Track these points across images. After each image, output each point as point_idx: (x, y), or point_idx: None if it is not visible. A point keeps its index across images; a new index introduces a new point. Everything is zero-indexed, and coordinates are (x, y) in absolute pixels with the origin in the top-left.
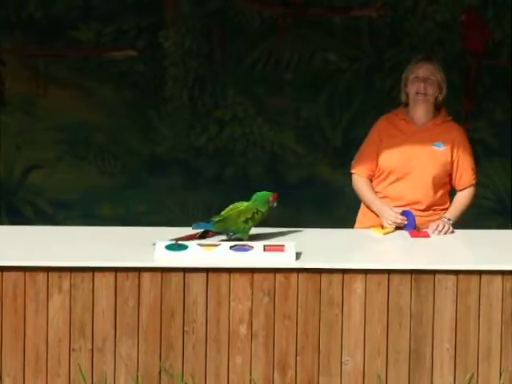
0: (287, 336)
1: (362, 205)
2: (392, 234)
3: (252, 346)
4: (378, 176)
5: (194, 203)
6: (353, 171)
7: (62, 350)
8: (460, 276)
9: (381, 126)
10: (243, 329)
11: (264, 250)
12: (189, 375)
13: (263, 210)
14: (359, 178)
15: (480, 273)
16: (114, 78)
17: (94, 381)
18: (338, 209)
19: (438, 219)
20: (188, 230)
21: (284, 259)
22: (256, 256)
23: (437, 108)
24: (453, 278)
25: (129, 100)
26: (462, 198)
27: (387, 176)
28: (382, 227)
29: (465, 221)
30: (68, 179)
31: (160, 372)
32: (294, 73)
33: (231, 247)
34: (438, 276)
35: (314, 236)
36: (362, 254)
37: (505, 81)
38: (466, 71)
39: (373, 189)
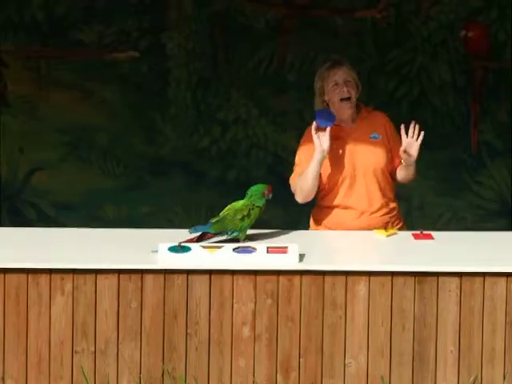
0: (290, 338)
1: (312, 222)
2: (395, 235)
3: (255, 348)
4: (328, 189)
5: (197, 205)
6: (291, 183)
7: (64, 352)
8: (464, 278)
9: (312, 137)
10: (246, 331)
11: (267, 252)
12: (192, 377)
13: (260, 205)
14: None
15: (484, 275)
16: (117, 80)
17: (97, 383)
18: None
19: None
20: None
21: (287, 261)
22: (259, 258)
23: (356, 104)
24: (456, 280)
25: (132, 102)
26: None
27: (341, 185)
28: (385, 229)
29: (469, 222)
30: (71, 181)
31: (163, 374)
32: (297, 74)
33: (234, 249)
34: (441, 278)
35: (317, 238)
36: (365, 256)
37: (508, 82)
38: (472, 75)
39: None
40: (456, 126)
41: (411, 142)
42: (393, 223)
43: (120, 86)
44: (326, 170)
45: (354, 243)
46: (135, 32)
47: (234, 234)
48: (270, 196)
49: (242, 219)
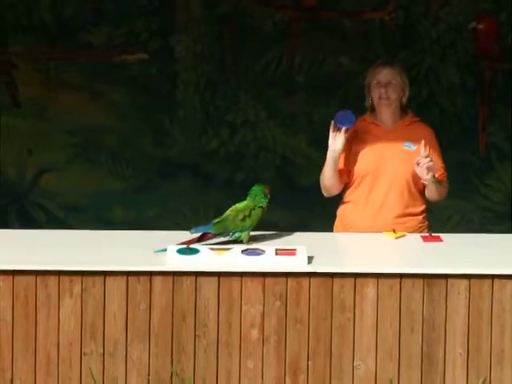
0: (299, 340)
1: (338, 214)
2: (404, 237)
3: (264, 350)
4: (352, 183)
5: (205, 207)
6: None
7: (73, 353)
8: (472, 280)
9: (351, 132)
10: (255, 333)
11: (276, 254)
12: (200, 379)
13: (263, 205)
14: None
15: (493, 277)
16: (126, 82)
17: None
18: None
19: (417, 226)
20: (197, 235)
21: (296, 263)
22: (268, 260)
23: (403, 110)
24: (465, 282)
25: (140, 103)
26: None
27: (361, 181)
28: (394, 231)
29: (477, 224)
30: (79, 183)
31: (171, 376)
32: (306, 76)
33: (243, 251)
34: (450, 280)
35: (325, 240)
36: (374, 258)
37: None
38: (481, 77)
39: None
40: (464, 127)
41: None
42: (411, 230)
43: (129, 88)
44: (353, 163)
45: (363, 245)
46: (144, 34)
47: (236, 235)
48: (268, 196)
49: (244, 219)
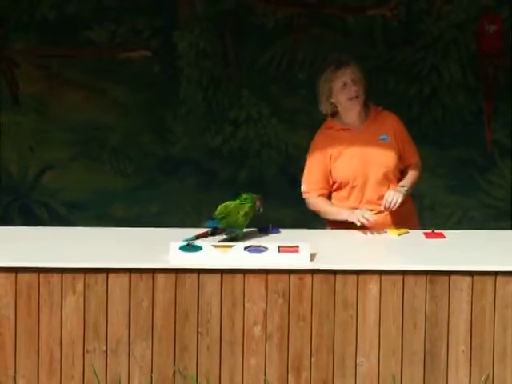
0: (302, 337)
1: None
2: (406, 234)
3: (266, 347)
4: (338, 190)
5: (208, 204)
6: (306, 195)
7: (75, 351)
8: (475, 277)
9: (322, 141)
10: (258, 330)
11: (278, 251)
12: (203, 377)
13: (251, 204)
14: (314, 198)
15: (495, 274)
16: (128, 79)
17: (108, 382)
18: None
19: (406, 211)
20: (200, 231)
21: (298, 260)
22: (270, 257)
23: (365, 104)
24: (468, 279)
25: (143, 100)
26: (413, 171)
27: (347, 187)
28: (397, 228)
29: (480, 221)
30: (82, 180)
31: (174, 373)
32: (308, 73)
33: (246, 248)
34: (452, 277)
35: (328, 237)
36: (376, 255)
37: None
38: (484, 74)
39: (330, 202)
40: (467, 124)
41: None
42: (406, 222)
43: (131, 85)
44: (338, 172)
45: (366, 242)
46: (147, 31)
47: (236, 232)
48: (261, 210)
49: (244, 216)
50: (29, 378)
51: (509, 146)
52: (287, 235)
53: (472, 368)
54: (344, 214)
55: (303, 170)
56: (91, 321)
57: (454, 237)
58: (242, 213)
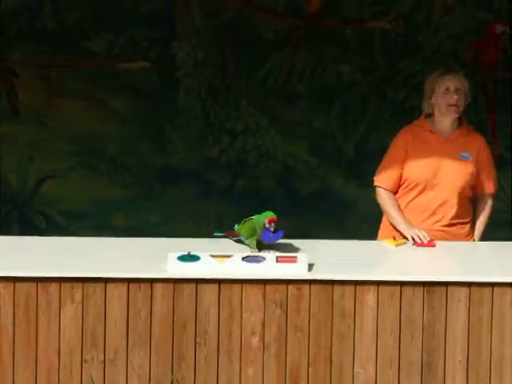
0: (299, 348)
1: (385, 219)
2: (404, 245)
3: (264, 357)
4: (405, 187)
5: (206, 214)
6: (376, 183)
7: (74, 360)
8: (472, 288)
9: (405, 138)
10: (255, 340)
11: (276, 262)
12: None
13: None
14: (383, 191)
15: (493, 285)
16: (127, 89)
17: None
18: (350, 220)
19: (464, 234)
20: (199, 242)
21: (296, 270)
22: (268, 267)
23: (459, 118)
24: (465, 289)
25: (141, 111)
26: (485, 213)
27: (414, 187)
28: (394, 238)
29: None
30: (80, 190)
31: (172, 383)
32: (306, 84)
33: (243, 258)
34: (450, 288)
35: (326, 247)
36: (374, 266)
37: None
38: (483, 85)
39: (398, 205)
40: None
41: None
42: (459, 238)
43: (130, 96)
44: (409, 170)
45: (363, 252)
46: (145, 42)
47: (247, 242)
48: (272, 228)
49: (253, 236)
50: None
51: (508, 158)
52: (285, 245)
53: (469, 379)
54: (402, 226)
55: (301, 181)
56: (89, 330)
57: (452, 247)
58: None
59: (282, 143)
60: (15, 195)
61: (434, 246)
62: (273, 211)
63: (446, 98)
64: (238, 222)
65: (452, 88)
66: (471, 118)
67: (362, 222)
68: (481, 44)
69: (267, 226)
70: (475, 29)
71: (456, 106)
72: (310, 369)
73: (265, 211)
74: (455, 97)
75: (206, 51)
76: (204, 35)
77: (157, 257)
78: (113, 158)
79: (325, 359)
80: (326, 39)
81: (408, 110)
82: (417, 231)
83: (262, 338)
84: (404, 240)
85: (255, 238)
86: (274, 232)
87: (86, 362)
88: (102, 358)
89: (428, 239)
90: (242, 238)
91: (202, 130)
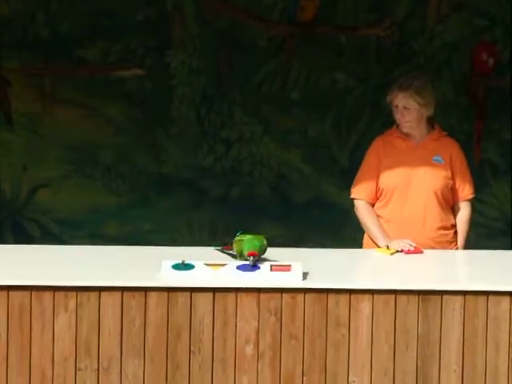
0: (294, 356)
1: None
2: (398, 254)
3: (258, 366)
4: (381, 199)
5: (200, 223)
6: (353, 196)
7: (67, 369)
8: (467, 297)
9: (378, 146)
10: (250, 349)
11: (271, 270)
12: None
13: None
14: (361, 203)
15: (487, 294)
16: (121, 97)
17: None
18: (344, 229)
19: (448, 241)
20: (193, 250)
21: (291, 279)
22: (263, 276)
23: (430, 124)
24: (460, 298)
25: (136, 119)
26: (464, 219)
27: (391, 196)
28: (388, 247)
29: (472, 241)
30: (75, 198)
31: None
32: (301, 92)
33: (238, 267)
34: (445, 297)
35: (320, 256)
36: (368, 275)
37: (510, 101)
38: (474, 93)
39: (376, 218)
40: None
41: None
42: (444, 245)
43: (124, 104)
44: (383, 178)
45: (358, 261)
46: (140, 49)
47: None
48: (252, 261)
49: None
50: None
51: (502, 165)
52: (279, 254)
53: None
54: (381, 242)
55: (295, 189)
56: (83, 339)
57: (446, 256)
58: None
59: (277, 151)
60: (9, 203)
61: (421, 252)
62: (264, 238)
63: (396, 114)
64: (238, 235)
65: (400, 106)
66: (464, 125)
67: (357, 231)
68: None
69: (246, 257)
70: (471, 36)
71: (405, 122)
72: (304, 378)
73: (258, 234)
74: (404, 116)
75: (200, 59)
76: (199, 43)
77: (151, 265)
78: (107, 166)
79: (319, 368)
80: (320, 47)
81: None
82: (400, 242)
83: (257, 346)
84: (397, 248)
85: (242, 258)
86: (252, 265)
87: (79, 370)
88: (96, 367)
89: (414, 245)
90: (234, 253)
91: (197, 138)
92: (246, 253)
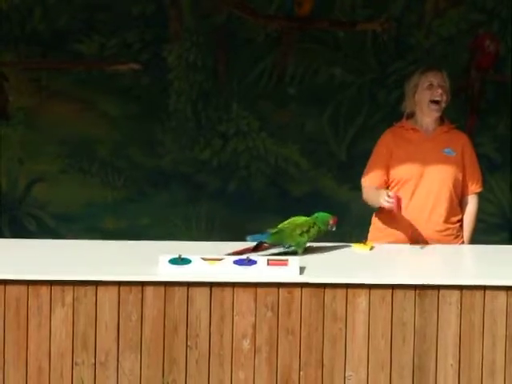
0: (290, 351)
1: (375, 220)
2: (396, 247)
3: (255, 360)
4: (391, 189)
5: (197, 217)
6: (364, 183)
7: (64, 363)
8: (464, 291)
9: (388, 138)
10: (246, 344)
11: (268, 265)
12: None
13: (321, 226)
14: (369, 188)
15: (484, 288)
16: (118, 92)
17: None
18: (342, 223)
19: (454, 235)
20: (190, 245)
21: (288, 274)
22: (259, 270)
23: (441, 117)
24: (457, 293)
25: (132, 113)
26: (471, 212)
27: (401, 187)
28: (364, 243)
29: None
30: (71, 192)
31: None
32: (298, 87)
33: (235, 261)
34: (442, 291)
35: (317, 251)
36: (365, 269)
37: (508, 96)
38: (470, 87)
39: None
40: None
41: None
42: (449, 239)
43: (121, 98)
44: (395, 169)
45: (355, 256)
46: (136, 44)
47: (292, 248)
48: (334, 228)
49: (301, 235)
50: None
51: (498, 160)
52: (276, 249)
53: (460, 382)
54: (380, 199)
55: (292, 184)
56: (80, 333)
57: (443, 251)
58: (298, 231)
59: (274, 146)
60: (5, 198)
61: (400, 199)
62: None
63: (429, 93)
64: (267, 235)
65: (435, 83)
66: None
67: (354, 225)
68: (473, 48)
69: (331, 226)
70: (468, 30)
71: (439, 102)
72: (301, 372)
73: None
74: (439, 91)
75: (197, 54)
76: (196, 38)
77: (148, 260)
78: (104, 160)
79: (316, 362)
80: (317, 41)
81: (400, 112)
82: (383, 195)
83: (253, 341)
84: (373, 242)
85: (303, 240)
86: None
87: (76, 364)
88: (93, 361)
89: (391, 200)
90: (282, 248)
91: (194, 133)
92: (331, 222)
